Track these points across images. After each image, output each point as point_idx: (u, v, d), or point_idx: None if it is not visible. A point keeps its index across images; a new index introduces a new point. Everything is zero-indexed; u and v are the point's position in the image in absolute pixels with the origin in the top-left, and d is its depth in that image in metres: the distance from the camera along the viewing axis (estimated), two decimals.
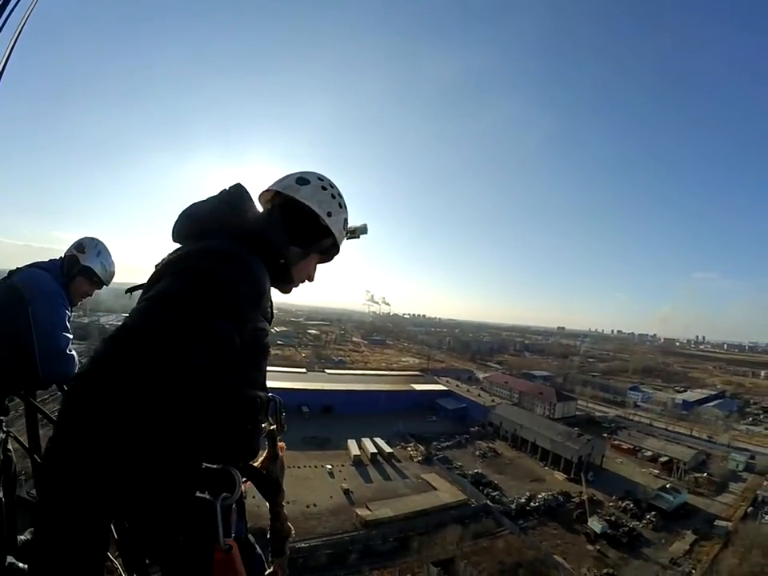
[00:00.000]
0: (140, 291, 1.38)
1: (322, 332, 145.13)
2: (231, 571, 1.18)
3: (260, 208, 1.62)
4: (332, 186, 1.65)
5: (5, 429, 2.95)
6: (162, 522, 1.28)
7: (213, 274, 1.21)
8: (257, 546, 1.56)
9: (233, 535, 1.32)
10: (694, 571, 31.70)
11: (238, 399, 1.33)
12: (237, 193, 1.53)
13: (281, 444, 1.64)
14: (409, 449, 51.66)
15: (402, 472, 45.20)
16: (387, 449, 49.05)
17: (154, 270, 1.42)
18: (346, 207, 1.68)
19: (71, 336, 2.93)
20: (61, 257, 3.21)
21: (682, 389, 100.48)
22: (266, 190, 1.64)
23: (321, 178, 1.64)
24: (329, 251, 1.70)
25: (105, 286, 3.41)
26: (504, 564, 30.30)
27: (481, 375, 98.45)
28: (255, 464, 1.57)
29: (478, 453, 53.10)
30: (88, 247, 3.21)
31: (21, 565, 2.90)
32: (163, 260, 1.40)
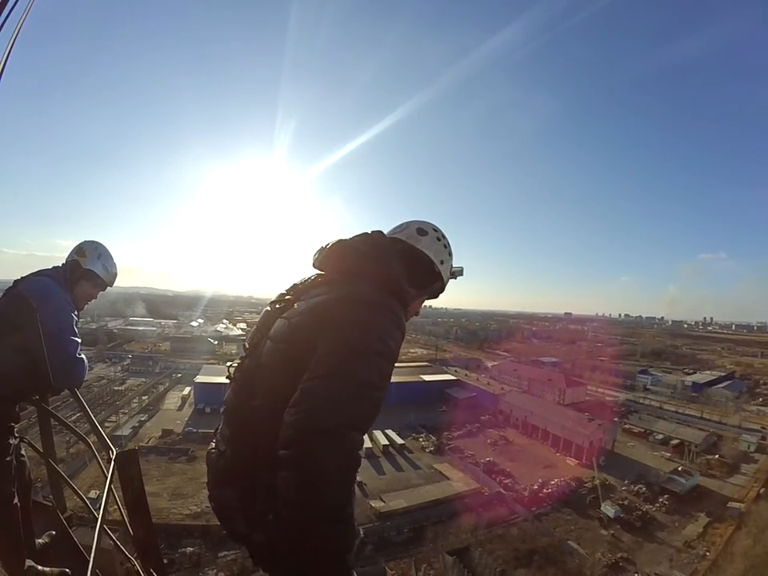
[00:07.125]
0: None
1: None
2: None
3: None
4: (443, 236, 1.93)
5: (17, 435, 2.97)
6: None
7: (380, 328, 1.42)
8: None
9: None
10: (708, 553, 31.75)
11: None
12: (380, 240, 1.75)
13: None
14: (420, 439, 51.95)
15: (414, 463, 45.36)
16: (399, 440, 49.27)
17: (293, 289, 1.73)
18: (452, 254, 1.96)
19: (80, 340, 2.97)
20: (63, 263, 3.21)
21: (692, 371, 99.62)
22: (392, 237, 1.85)
23: (435, 230, 1.92)
24: (436, 292, 1.97)
25: (108, 288, 3.40)
26: (519, 551, 30.46)
27: (489, 364, 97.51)
28: None
29: (489, 441, 53.23)
30: (88, 251, 3.21)
31: (40, 568, 2.93)
32: (308, 287, 1.65)
